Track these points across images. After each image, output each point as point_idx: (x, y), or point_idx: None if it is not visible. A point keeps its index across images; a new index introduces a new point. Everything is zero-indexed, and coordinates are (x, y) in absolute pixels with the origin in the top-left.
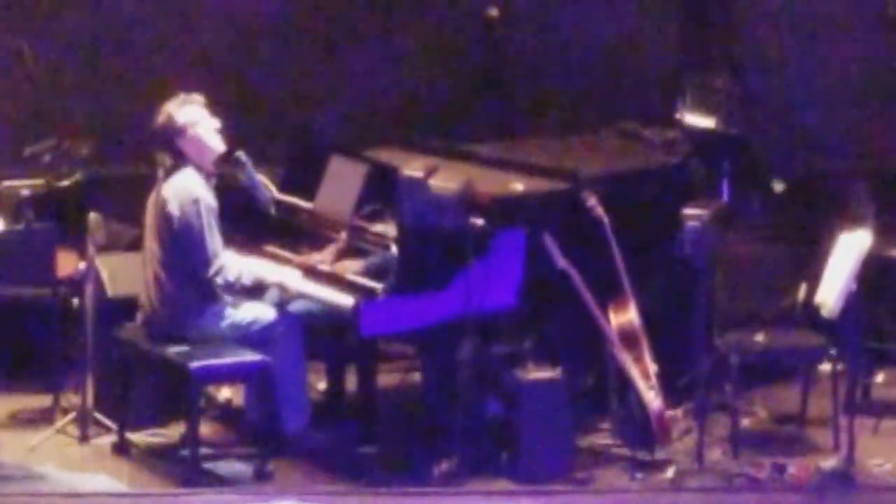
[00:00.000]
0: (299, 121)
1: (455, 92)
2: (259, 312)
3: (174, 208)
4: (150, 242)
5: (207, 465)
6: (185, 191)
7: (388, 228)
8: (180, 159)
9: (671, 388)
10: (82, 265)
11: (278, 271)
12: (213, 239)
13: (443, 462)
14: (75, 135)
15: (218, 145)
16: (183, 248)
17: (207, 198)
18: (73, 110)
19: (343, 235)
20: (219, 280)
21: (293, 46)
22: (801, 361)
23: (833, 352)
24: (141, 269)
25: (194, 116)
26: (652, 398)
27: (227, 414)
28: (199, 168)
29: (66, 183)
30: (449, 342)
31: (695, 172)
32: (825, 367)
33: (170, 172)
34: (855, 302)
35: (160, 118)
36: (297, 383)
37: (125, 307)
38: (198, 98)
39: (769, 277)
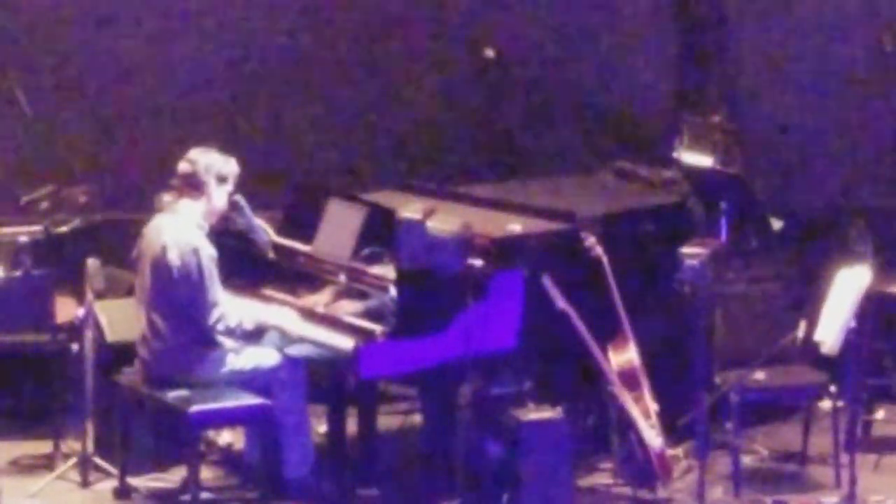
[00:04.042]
0: (296, 164)
1: (452, 134)
2: (261, 358)
3: (174, 257)
4: (147, 286)
5: None
6: (185, 240)
7: (386, 271)
8: (190, 202)
9: (672, 427)
10: (81, 311)
11: (277, 314)
12: (214, 287)
13: None
14: (73, 181)
15: (226, 206)
16: (182, 297)
17: (207, 247)
18: (70, 156)
19: (342, 278)
20: (220, 327)
21: (289, 90)
22: (802, 398)
23: (833, 389)
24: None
25: (233, 173)
26: (653, 437)
27: (228, 458)
28: (204, 217)
29: (64, 229)
30: (449, 384)
31: (692, 211)
32: (826, 403)
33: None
34: (855, 339)
35: (207, 159)
36: (300, 428)
37: (124, 353)
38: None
39: (768, 315)
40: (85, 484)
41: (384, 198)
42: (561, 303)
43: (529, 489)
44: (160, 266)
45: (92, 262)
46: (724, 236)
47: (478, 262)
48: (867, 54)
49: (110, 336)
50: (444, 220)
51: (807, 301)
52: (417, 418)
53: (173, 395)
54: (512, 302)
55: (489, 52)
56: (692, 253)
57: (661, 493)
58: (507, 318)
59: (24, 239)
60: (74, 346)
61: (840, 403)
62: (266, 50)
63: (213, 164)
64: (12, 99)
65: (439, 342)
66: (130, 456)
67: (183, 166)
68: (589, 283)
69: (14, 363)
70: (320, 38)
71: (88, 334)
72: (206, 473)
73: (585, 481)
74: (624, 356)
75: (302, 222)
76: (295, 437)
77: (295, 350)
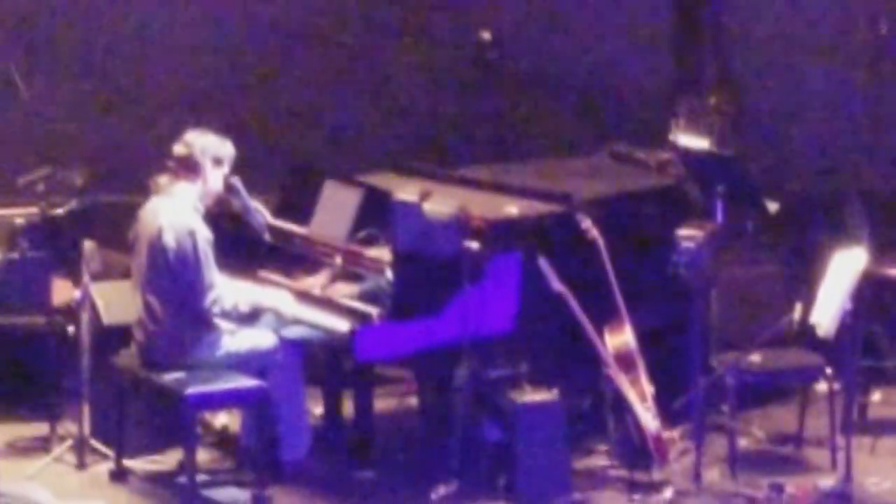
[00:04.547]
0: (292, 146)
1: (448, 116)
2: (257, 340)
3: (170, 239)
4: (143, 268)
5: (205, 492)
6: (181, 222)
7: (382, 253)
8: (186, 184)
9: (668, 410)
10: (77, 293)
11: (273, 296)
12: (210, 270)
13: (440, 486)
14: (69, 163)
15: (222, 188)
16: (178, 279)
17: (203, 229)
18: (67, 139)
19: (338, 260)
20: (215, 310)
21: (285, 71)
22: (798, 381)
23: (829, 371)
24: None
25: (229, 156)
26: (649, 419)
27: (224, 440)
28: (200, 199)
29: (60, 212)
30: (445, 366)
31: (689, 194)
32: (822, 386)
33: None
34: (850, 321)
35: (203, 141)
36: (296, 410)
37: (121, 335)
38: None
39: (764, 297)
40: (81, 466)
41: (380, 180)
42: (557, 285)
43: (526, 471)
44: (156, 248)
45: (88, 245)
46: (720, 219)
47: (474, 245)
48: (864, 37)
49: (106, 318)
50: (441, 203)
51: (803, 283)
52: (413, 401)
53: (169, 377)
54: (508, 284)
55: (485, 35)
56: (688, 235)
57: (657, 475)
58: (504, 301)
59: (20, 221)
60: (71, 329)
61: (836, 386)
62: (260, 33)
63: (209, 146)
64: (9, 81)
65: (435, 325)
66: (126, 438)
67: (179, 149)
68: (585, 266)
69: (10, 345)
70: (314, 22)
71: (85, 317)
72: (203, 456)
73: (582, 464)
74: (620, 339)
75: (298, 204)
76: (291, 420)
77: (291, 332)
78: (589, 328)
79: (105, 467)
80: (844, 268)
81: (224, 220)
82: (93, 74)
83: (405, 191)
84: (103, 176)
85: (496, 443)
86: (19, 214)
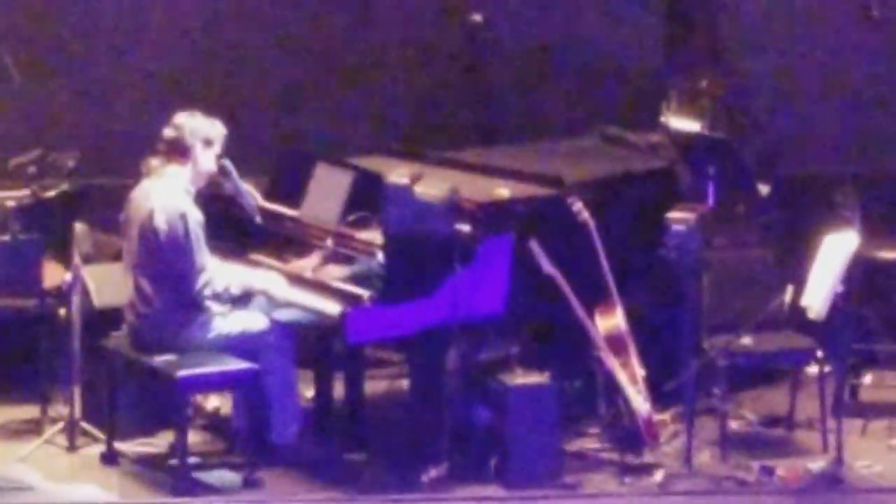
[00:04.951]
0: (284, 129)
1: (439, 98)
2: (248, 323)
3: (161, 222)
4: (134, 251)
5: (196, 474)
6: (172, 204)
7: (374, 236)
8: (177, 167)
9: (659, 392)
10: (68, 276)
11: (264, 279)
12: (201, 252)
13: (431, 468)
14: (61, 146)
15: (213, 168)
16: (170, 262)
17: (194, 211)
18: (59, 121)
19: (329, 243)
20: (207, 292)
21: (276, 54)
22: (789, 364)
23: (820, 354)
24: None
25: (220, 136)
26: (640, 402)
27: (215, 423)
28: (191, 181)
29: (51, 194)
30: (436, 349)
31: (680, 176)
32: (813, 369)
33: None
34: (842, 304)
35: (193, 123)
36: (287, 393)
37: (112, 317)
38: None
39: (755, 280)
40: (72, 448)
41: (371, 162)
42: (548, 268)
43: (516, 454)
44: (147, 231)
45: (79, 227)
46: (711, 201)
47: (465, 227)
48: (856, 20)
49: (97, 301)
50: (432, 185)
51: (794, 266)
52: (404, 383)
53: (161, 359)
54: (499, 267)
55: (476, 17)
56: (680, 218)
57: (648, 457)
58: (495, 283)
59: (11, 204)
60: (62, 311)
61: (827, 368)
62: (249, 14)
63: (199, 127)
64: (0, 64)
65: (426, 307)
66: (117, 421)
67: (169, 131)
68: (576, 248)
69: (1, 328)
70: (305, 4)
71: (76, 299)
72: (194, 438)
73: (572, 446)
74: (611, 321)
75: (289, 187)
76: (282, 402)
77: (282, 315)
78: (580, 310)
79: (96, 450)
80: (836, 251)
81: (215, 202)
82: (83, 57)
83: (396, 173)
84: (94, 159)
85: (487, 425)
86: (10, 197)
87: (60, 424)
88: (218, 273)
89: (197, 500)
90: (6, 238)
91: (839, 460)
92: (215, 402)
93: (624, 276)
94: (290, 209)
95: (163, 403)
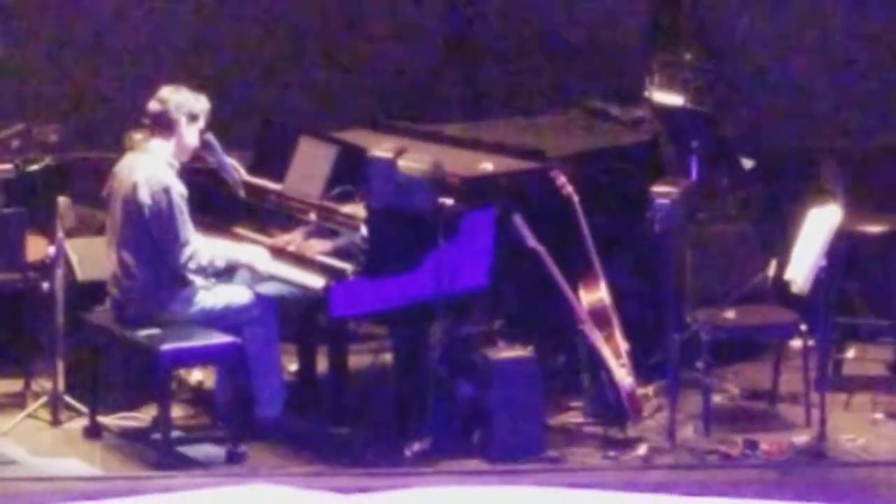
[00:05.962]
0: (267, 102)
1: (423, 71)
2: (232, 296)
3: (145, 196)
4: (118, 224)
5: (180, 448)
6: (156, 178)
7: (357, 209)
8: (161, 141)
9: (642, 366)
10: (52, 250)
11: (248, 253)
12: (185, 226)
13: (414, 442)
14: (44, 120)
15: (197, 143)
16: (153, 236)
17: (178, 185)
18: (42, 95)
19: (312, 217)
20: (191, 266)
21: (260, 28)
22: (772, 338)
23: (804, 328)
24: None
25: (204, 111)
26: (623, 376)
27: (198, 396)
28: (175, 155)
29: (35, 168)
30: (420, 323)
31: (663, 150)
32: (796, 343)
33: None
34: (825, 278)
35: (178, 97)
36: (271, 367)
37: (95, 291)
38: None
39: (739, 254)
40: (55, 422)
41: (355, 136)
42: (532, 241)
43: (500, 428)
44: (131, 204)
45: (63, 201)
46: (694, 175)
47: (449, 201)
48: None
49: (81, 275)
50: (415, 159)
51: (777, 240)
52: (388, 357)
53: (144, 333)
54: (483, 241)
55: None
56: (663, 192)
57: (632, 431)
58: (478, 257)
59: None
60: (45, 285)
61: (810, 342)
62: None
63: (183, 102)
64: None
65: (410, 281)
66: (101, 394)
67: (153, 105)
68: (560, 222)
69: None
70: None
71: (59, 273)
72: (177, 412)
73: (556, 420)
74: (594, 295)
75: (273, 161)
76: (266, 376)
77: (266, 289)
78: (563, 284)
79: (79, 424)
80: (819, 224)
81: (199, 176)
82: (68, 31)
83: (380, 147)
84: (78, 132)
85: (470, 399)
86: None
87: (44, 398)
88: (202, 247)
89: (180, 473)
90: None
91: (822, 434)
92: (199, 375)
93: (608, 249)
94: (273, 183)
95: (146, 377)
